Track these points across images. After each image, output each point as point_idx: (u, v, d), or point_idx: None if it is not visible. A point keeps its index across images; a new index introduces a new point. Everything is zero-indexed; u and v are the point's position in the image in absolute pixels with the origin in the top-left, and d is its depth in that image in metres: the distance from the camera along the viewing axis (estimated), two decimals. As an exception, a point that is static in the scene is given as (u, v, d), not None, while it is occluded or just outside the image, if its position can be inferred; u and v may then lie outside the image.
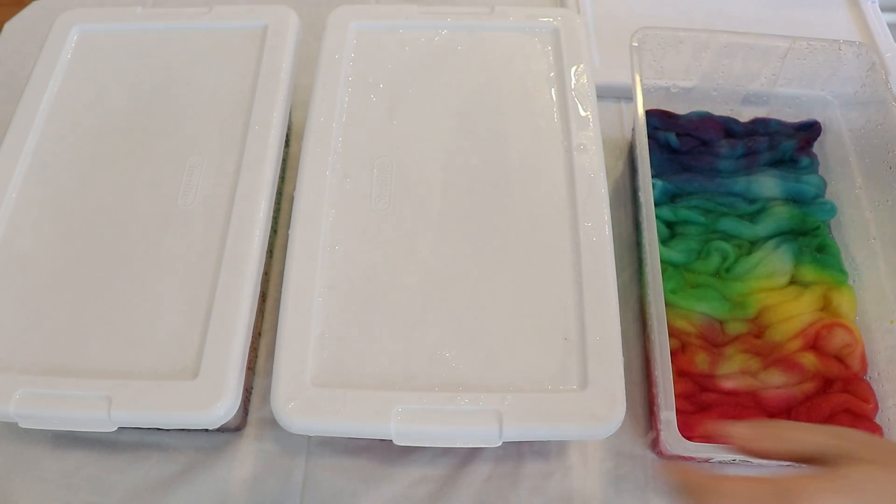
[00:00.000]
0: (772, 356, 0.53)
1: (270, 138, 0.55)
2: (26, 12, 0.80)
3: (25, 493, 0.51)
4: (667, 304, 0.50)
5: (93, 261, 0.50)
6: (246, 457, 0.52)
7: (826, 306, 0.55)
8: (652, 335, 0.49)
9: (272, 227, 0.54)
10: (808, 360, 0.53)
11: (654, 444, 0.52)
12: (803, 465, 0.34)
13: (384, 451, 0.52)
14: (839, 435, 0.35)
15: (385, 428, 0.43)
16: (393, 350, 0.47)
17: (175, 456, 0.52)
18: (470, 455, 0.53)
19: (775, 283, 0.56)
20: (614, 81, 0.69)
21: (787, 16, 0.77)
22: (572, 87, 0.57)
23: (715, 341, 0.55)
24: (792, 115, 0.66)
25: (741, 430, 0.36)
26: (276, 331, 0.47)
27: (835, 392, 0.52)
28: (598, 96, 0.57)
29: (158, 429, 0.52)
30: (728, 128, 0.64)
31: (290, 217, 0.51)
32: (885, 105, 0.58)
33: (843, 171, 0.63)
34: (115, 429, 0.45)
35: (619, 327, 0.46)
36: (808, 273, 0.56)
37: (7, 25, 0.79)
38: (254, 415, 0.54)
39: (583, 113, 0.55)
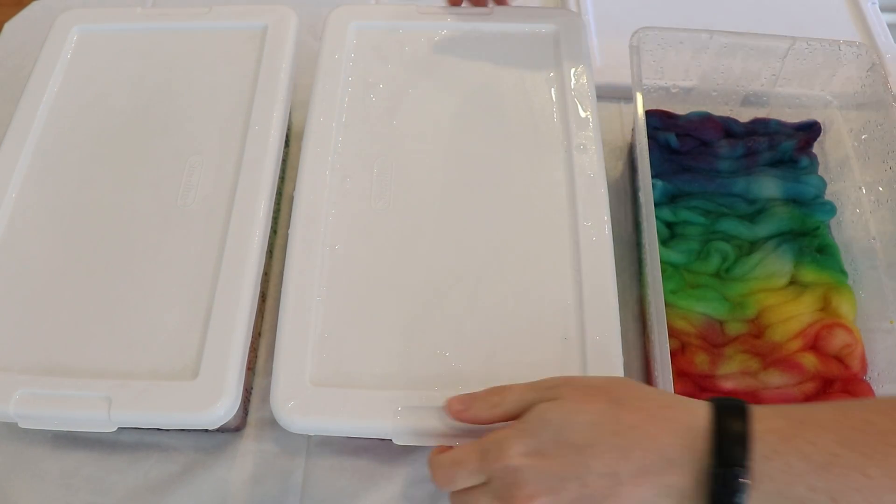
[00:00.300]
0: (772, 356, 0.53)
1: (270, 138, 0.55)
2: (26, 12, 0.80)
3: (25, 493, 0.51)
4: (667, 305, 0.50)
5: (93, 261, 0.50)
6: (246, 457, 0.52)
7: (826, 307, 0.55)
8: (652, 335, 0.49)
9: (272, 227, 0.54)
10: (808, 360, 0.53)
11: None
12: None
13: (384, 451, 0.52)
14: (535, 387, 0.38)
15: (385, 427, 0.43)
16: (393, 349, 0.47)
17: (175, 456, 0.52)
18: (470, 455, 0.53)
19: (775, 283, 0.56)
20: (614, 81, 0.69)
21: (787, 16, 0.77)
22: (572, 87, 0.57)
23: (715, 342, 0.55)
24: (792, 115, 0.66)
25: (453, 403, 0.40)
26: (276, 331, 0.47)
27: (835, 392, 0.52)
28: (598, 96, 0.57)
29: (158, 429, 0.52)
30: (728, 128, 0.64)
31: (290, 217, 0.51)
32: (885, 105, 0.58)
33: (843, 171, 0.63)
34: (115, 429, 0.45)
35: (619, 327, 0.47)
36: (808, 273, 0.56)
37: (7, 25, 0.79)
38: (254, 415, 0.54)
39: (582, 113, 0.55)
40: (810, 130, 0.65)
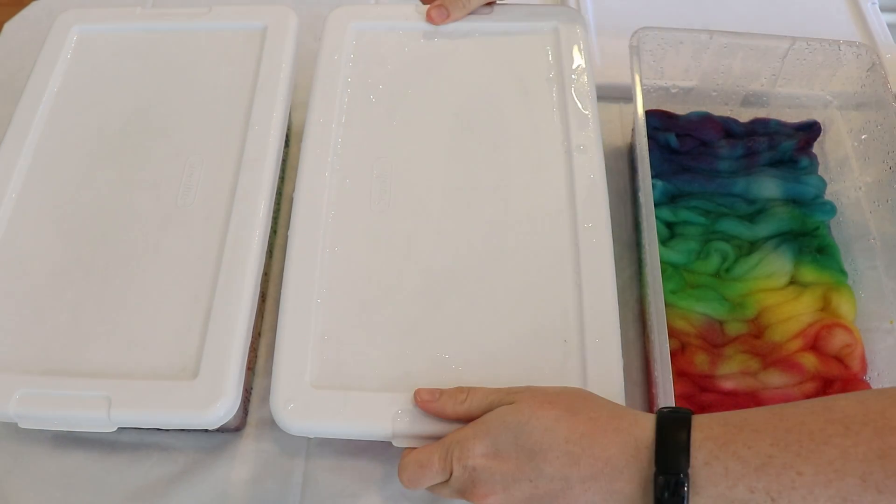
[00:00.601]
0: (771, 357, 0.53)
1: (270, 138, 0.55)
2: (26, 12, 0.80)
3: (25, 493, 0.51)
4: (666, 305, 0.50)
5: (93, 261, 0.50)
6: (245, 457, 0.52)
7: (826, 307, 0.55)
8: (652, 335, 0.49)
9: (272, 227, 0.54)
10: (808, 360, 0.53)
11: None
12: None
13: (384, 451, 0.52)
14: (498, 391, 0.41)
15: (384, 430, 0.43)
16: (392, 352, 0.47)
17: (175, 456, 0.52)
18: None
19: (775, 283, 0.56)
20: (614, 81, 0.69)
21: (787, 16, 0.77)
22: (572, 86, 0.57)
23: (715, 342, 0.55)
24: (792, 116, 0.66)
25: (422, 393, 0.43)
26: (275, 331, 0.47)
27: (834, 392, 0.52)
28: (598, 96, 0.57)
29: (158, 429, 0.52)
30: (728, 128, 0.64)
31: (290, 218, 0.51)
32: (884, 105, 0.58)
33: (842, 171, 0.63)
34: (115, 429, 0.45)
35: (619, 329, 0.46)
36: (808, 273, 0.56)
37: (7, 25, 0.79)
38: (253, 415, 0.54)
39: (583, 113, 0.55)
40: (810, 130, 0.65)
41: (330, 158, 0.53)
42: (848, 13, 0.78)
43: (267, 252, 0.53)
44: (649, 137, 0.59)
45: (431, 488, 0.42)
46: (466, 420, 0.41)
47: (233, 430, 0.53)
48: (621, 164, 0.67)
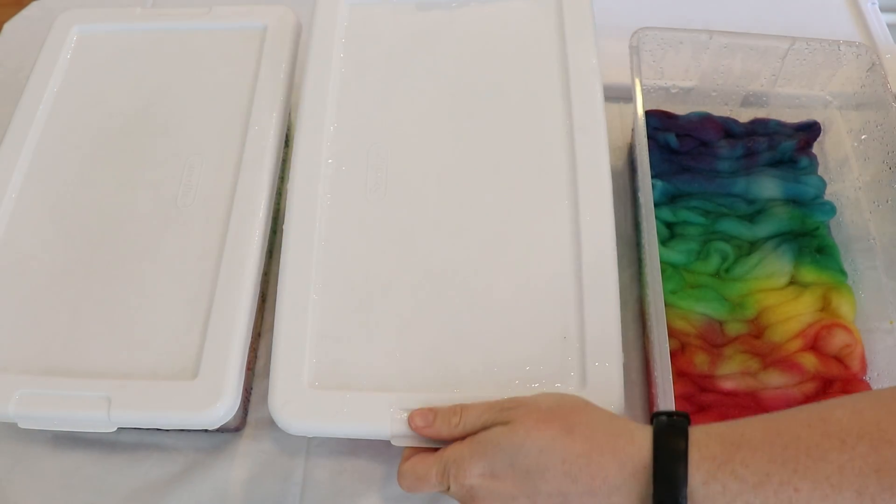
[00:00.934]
0: (771, 357, 0.53)
1: (270, 138, 0.55)
2: (26, 12, 0.80)
3: (25, 493, 0.51)
4: (666, 305, 0.50)
5: (93, 261, 0.51)
6: (245, 457, 0.52)
7: (826, 307, 0.55)
8: (651, 335, 0.49)
9: (272, 227, 0.54)
10: (808, 360, 0.53)
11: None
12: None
13: (384, 451, 0.52)
14: (492, 407, 0.41)
15: (383, 430, 0.43)
16: (389, 350, 0.46)
17: (174, 456, 0.52)
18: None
19: (775, 283, 0.56)
20: (614, 81, 0.68)
21: (787, 16, 0.77)
22: (576, 62, 0.54)
23: (714, 342, 0.55)
24: (792, 116, 0.66)
25: (416, 418, 0.42)
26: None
27: (834, 393, 0.52)
28: (597, 96, 0.56)
29: (158, 429, 0.52)
30: (727, 128, 0.64)
31: (285, 213, 0.51)
32: (884, 105, 0.58)
33: (842, 171, 0.63)
34: (115, 429, 0.45)
35: (620, 326, 0.46)
36: (808, 274, 0.56)
37: (7, 25, 0.79)
38: (253, 415, 0.54)
39: (587, 90, 0.53)
40: (810, 130, 0.65)
41: (324, 147, 0.52)
42: (848, 13, 0.78)
43: (267, 252, 0.53)
44: (649, 137, 0.58)
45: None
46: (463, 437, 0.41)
47: (232, 430, 0.53)
48: (621, 164, 0.67)
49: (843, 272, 0.57)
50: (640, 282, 0.59)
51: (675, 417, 0.38)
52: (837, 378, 0.53)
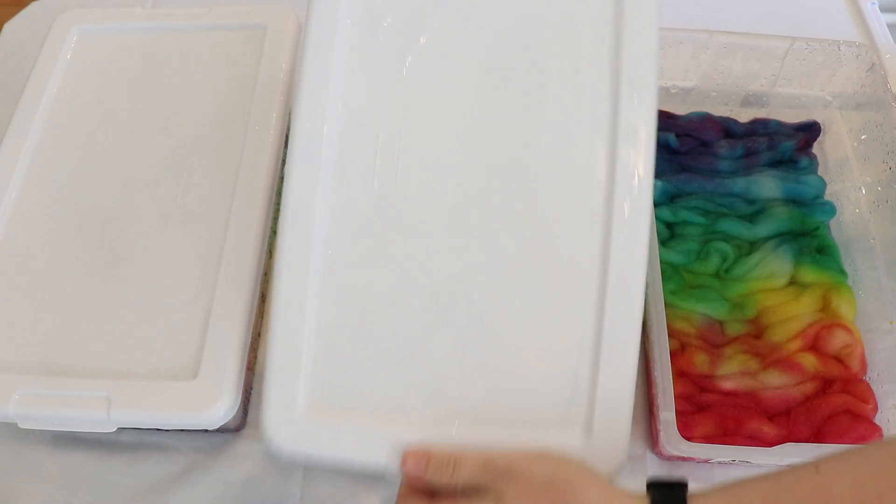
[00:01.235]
0: (771, 357, 0.53)
1: (270, 138, 0.55)
2: (26, 12, 0.80)
3: (25, 493, 0.51)
4: (666, 305, 0.50)
5: (93, 260, 0.51)
6: (245, 457, 0.52)
7: (825, 307, 0.55)
8: (651, 336, 0.49)
9: (272, 227, 0.54)
10: (808, 360, 0.53)
11: (654, 445, 0.52)
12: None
13: (384, 451, 0.52)
14: (486, 468, 0.39)
15: (377, 465, 0.41)
16: (389, 377, 0.43)
17: (174, 456, 0.52)
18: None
19: (775, 283, 0.56)
20: (614, 81, 0.69)
21: (787, 16, 0.77)
22: (631, 44, 0.43)
23: (714, 342, 0.55)
24: (792, 116, 0.66)
25: (409, 461, 0.41)
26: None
27: (834, 393, 0.52)
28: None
29: (158, 429, 0.52)
30: (727, 128, 0.64)
31: (279, 216, 0.45)
32: (884, 105, 0.58)
33: (842, 171, 0.63)
34: (115, 429, 0.45)
35: (635, 378, 0.42)
36: (808, 274, 0.56)
37: (7, 25, 0.79)
38: (253, 415, 0.54)
39: (639, 89, 0.43)
40: (810, 130, 0.65)
41: (326, 128, 0.44)
42: (848, 13, 0.78)
43: (267, 252, 0.53)
44: (649, 137, 0.58)
45: None
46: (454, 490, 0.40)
47: (232, 430, 0.53)
48: (621, 165, 0.67)
49: (842, 272, 0.57)
50: (640, 282, 0.59)
51: (672, 488, 0.37)
52: (837, 378, 0.53)
